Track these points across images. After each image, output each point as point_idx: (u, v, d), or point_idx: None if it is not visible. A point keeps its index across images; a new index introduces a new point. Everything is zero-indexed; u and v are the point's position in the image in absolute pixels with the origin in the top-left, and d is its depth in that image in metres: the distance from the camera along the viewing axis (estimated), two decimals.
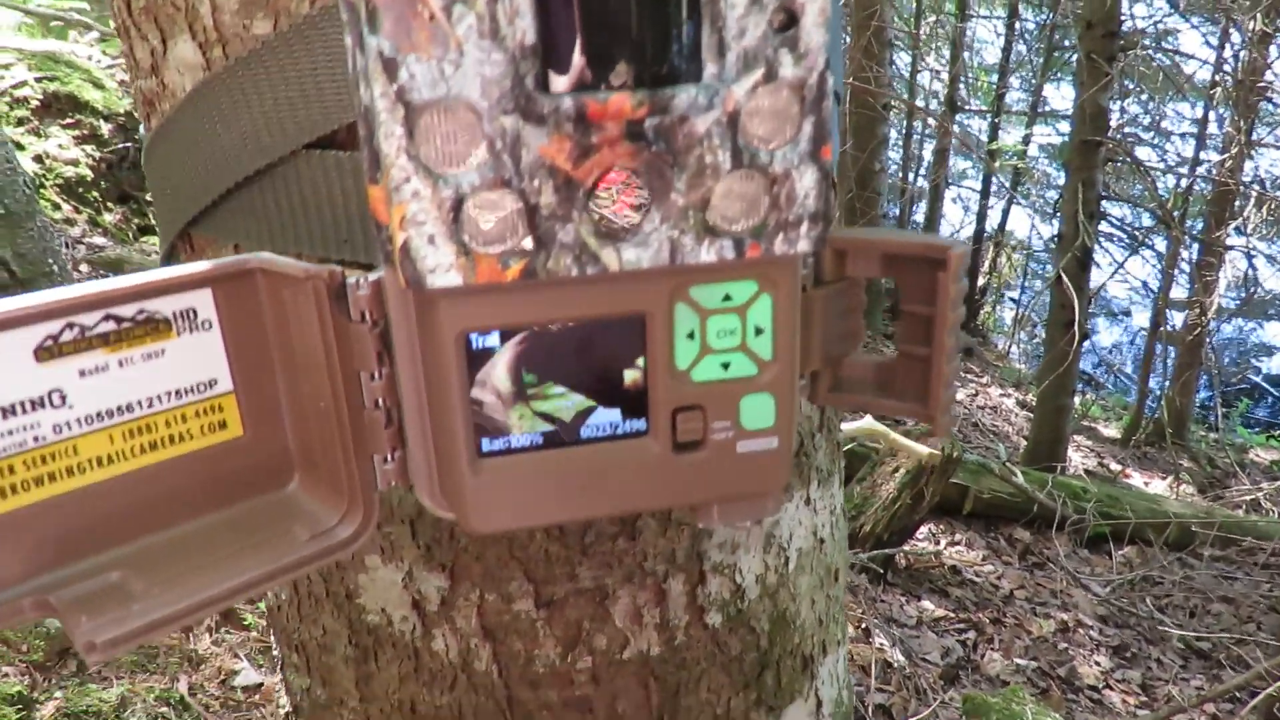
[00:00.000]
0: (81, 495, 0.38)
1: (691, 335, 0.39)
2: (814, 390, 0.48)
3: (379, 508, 0.42)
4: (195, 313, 0.39)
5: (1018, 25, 8.88)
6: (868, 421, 3.20)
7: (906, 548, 3.88)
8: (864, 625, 3.28)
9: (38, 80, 4.92)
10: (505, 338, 0.37)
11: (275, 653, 0.81)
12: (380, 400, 0.40)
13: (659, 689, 0.62)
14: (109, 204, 4.74)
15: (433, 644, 0.62)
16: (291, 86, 0.49)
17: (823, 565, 0.71)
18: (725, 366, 0.39)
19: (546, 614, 0.59)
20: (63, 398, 0.37)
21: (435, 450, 0.41)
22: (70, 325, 0.36)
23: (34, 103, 4.85)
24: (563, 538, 0.57)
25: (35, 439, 0.37)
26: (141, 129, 0.63)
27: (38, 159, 4.59)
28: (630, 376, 0.39)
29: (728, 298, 0.38)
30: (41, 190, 4.39)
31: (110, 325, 0.37)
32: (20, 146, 4.41)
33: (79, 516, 0.38)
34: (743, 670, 0.65)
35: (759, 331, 0.39)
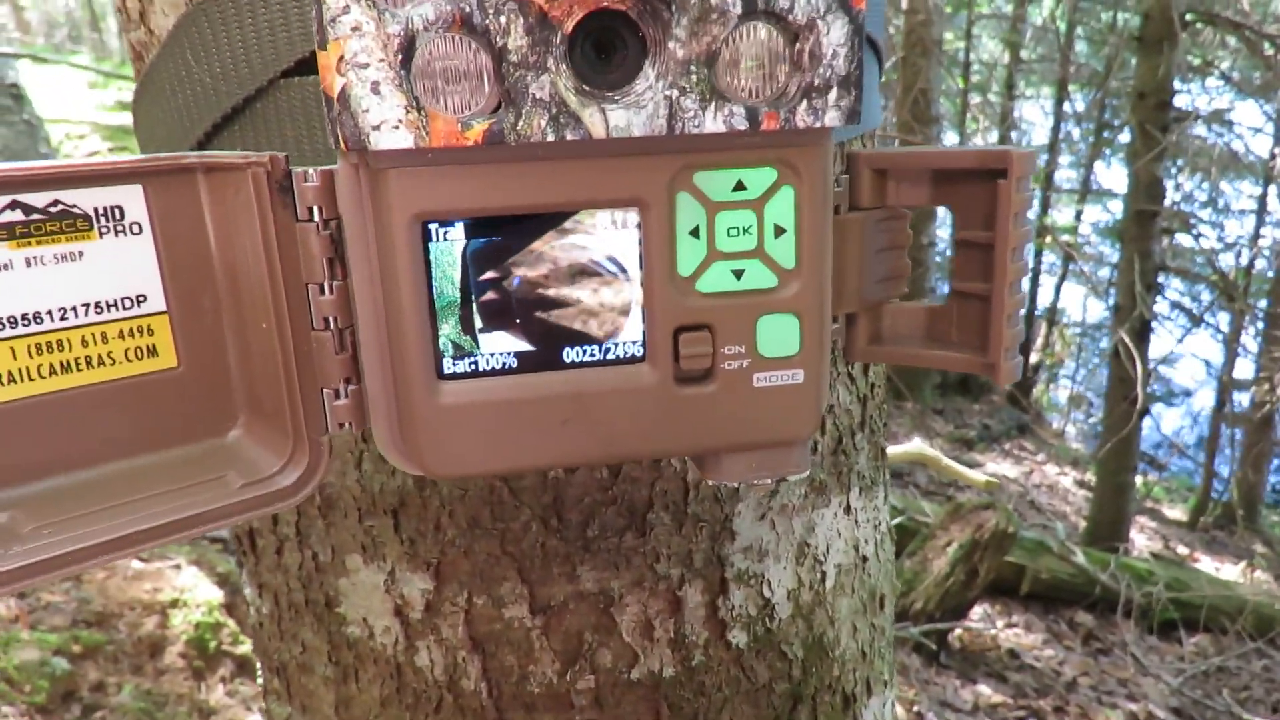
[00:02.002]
0: None
1: (696, 233, 0.32)
2: (850, 341, 0.40)
3: (330, 454, 0.36)
4: (121, 212, 0.34)
5: (1066, 105, 8.84)
6: (916, 445, 3.07)
7: (960, 627, 3.68)
8: (916, 709, 3.09)
9: (110, 150, 5.14)
10: (471, 230, 0.31)
11: (260, 680, 0.74)
12: (330, 319, 0.34)
13: (672, 718, 0.53)
14: None
15: (416, 659, 0.54)
16: (271, 7, 0.45)
17: (866, 588, 0.62)
18: (738, 275, 0.32)
19: (543, 622, 0.51)
20: None
21: (393, 377, 0.34)
22: None
23: None
24: (562, 530, 0.50)
25: None
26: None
27: None
28: (620, 288, 0.32)
29: (740, 187, 0.32)
30: None
31: (17, 215, 0.32)
32: None
33: None
34: (772, 703, 0.56)
35: (779, 232, 0.32)
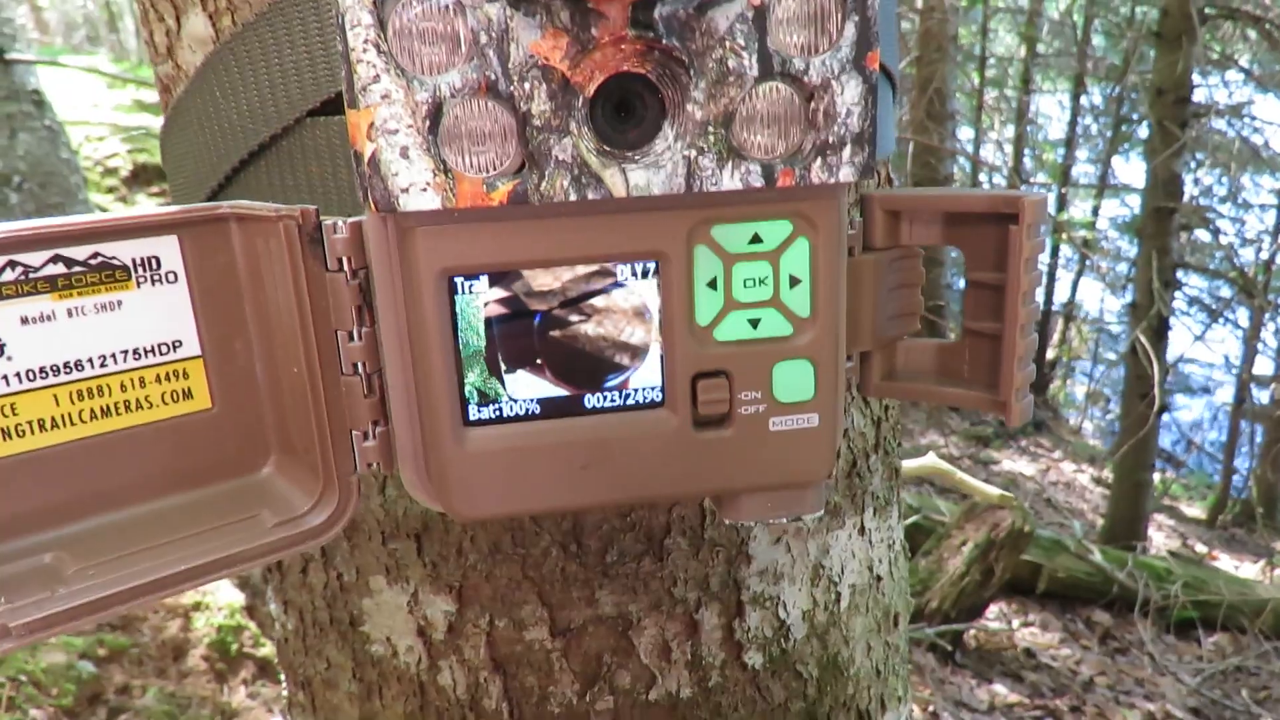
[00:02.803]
0: (19, 464, 0.34)
1: (714, 284, 0.33)
2: (865, 377, 0.41)
3: (359, 493, 0.37)
4: (158, 262, 0.35)
5: (1084, 99, 8.78)
6: (930, 459, 3.06)
7: (976, 626, 3.67)
8: (932, 708, 3.08)
9: (129, 152, 5.19)
10: (495, 281, 0.32)
11: (284, 692, 0.76)
12: (360, 364, 0.35)
13: None
14: None
15: (439, 678, 0.55)
16: (298, 48, 0.46)
17: (880, 606, 0.63)
18: (754, 324, 0.33)
19: (563, 644, 0.52)
20: (1, 348, 0.33)
21: (420, 423, 0.35)
22: (12, 264, 0.32)
23: (123, 172, 5.10)
24: (581, 555, 0.51)
25: None
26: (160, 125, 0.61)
27: None
28: (641, 334, 0.33)
29: (756, 239, 0.33)
30: None
31: (59, 268, 0.33)
32: (105, 211, 4.61)
33: (14, 489, 0.34)
34: None
35: (794, 282, 0.33)
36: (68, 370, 0.34)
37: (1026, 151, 8.87)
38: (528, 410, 0.34)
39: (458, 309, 0.32)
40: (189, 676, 1.57)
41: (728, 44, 0.29)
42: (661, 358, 0.34)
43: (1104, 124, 8.80)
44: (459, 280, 0.32)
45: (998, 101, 8.86)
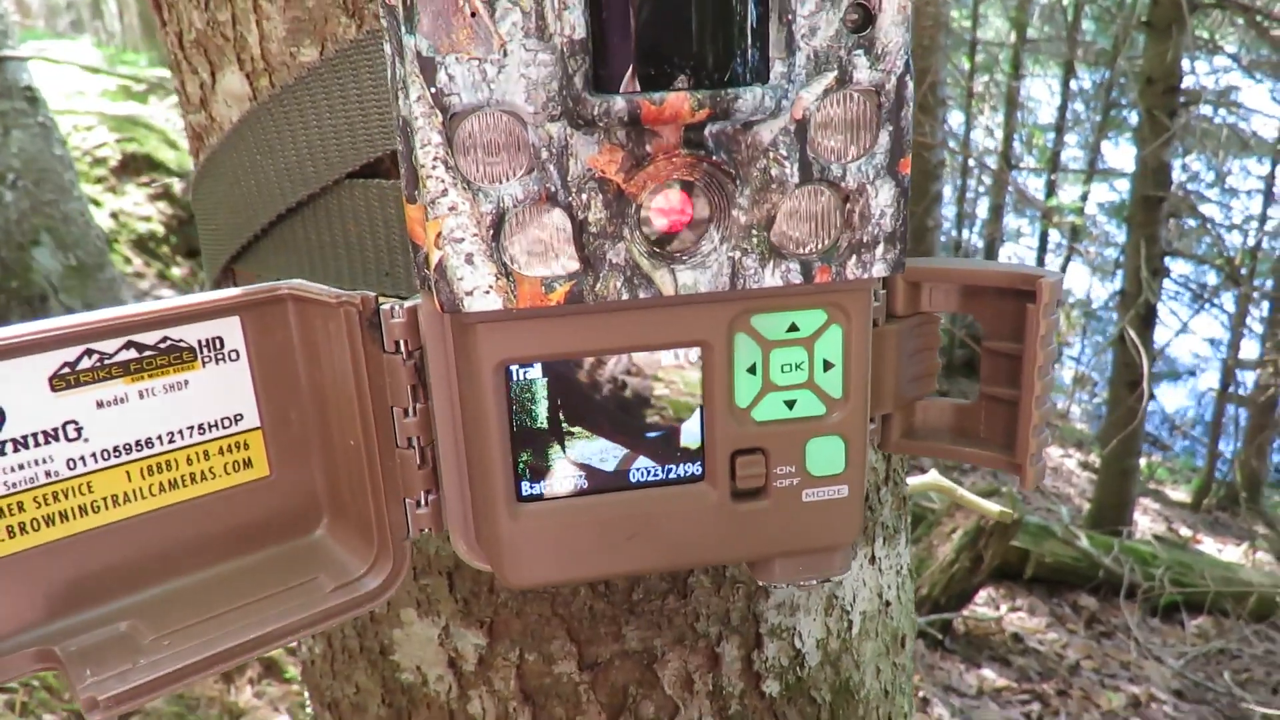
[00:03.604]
0: (94, 537, 0.36)
1: (753, 369, 0.35)
2: (885, 436, 0.43)
3: (410, 557, 0.39)
4: (222, 342, 0.37)
5: (1074, 84, 8.80)
6: (933, 476, 3.10)
7: (965, 613, 3.73)
8: (921, 694, 3.14)
9: (117, 141, 5.15)
10: (549, 370, 0.34)
11: (309, 710, 0.78)
12: (414, 439, 0.37)
13: None
14: (178, 259, 4.90)
15: (469, 706, 0.58)
16: (336, 113, 0.47)
17: (889, 631, 0.65)
18: (790, 405, 0.36)
19: (590, 677, 0.55)
20: (78, 430, 0.35)
21: (472, 494, 0.37)
22: (89, 352, 0.34)
23: (112, 162, 5.07)
24: (609, 594, 0.53)
25: (47, 474, 0.34)
26: (190, 166, 0.63)
27: (113, 215, 4.77)
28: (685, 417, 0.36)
29: (793, 328, 0.35)
30: (114, 245, 4.55)
31: (131, 354, 0.35)
32: (97, 203, 4.59)
33: (91, 560, 0.36)
34: None
35: (828, 366, 0.35)
36: (139, 448, 0.36)
37: (1016, 136, 8.90)
38: (577, 486, 0.36)
39: (513, 393, 0.34)
40: None
41: (771, 154, 0.31)
42: (702, 435, 0.36)
43: (1093, 109, 8.83)
44: (514, 367, 0.34)
45: (988, 87, 8.87)
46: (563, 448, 0.35)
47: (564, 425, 0.35)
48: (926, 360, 0.43)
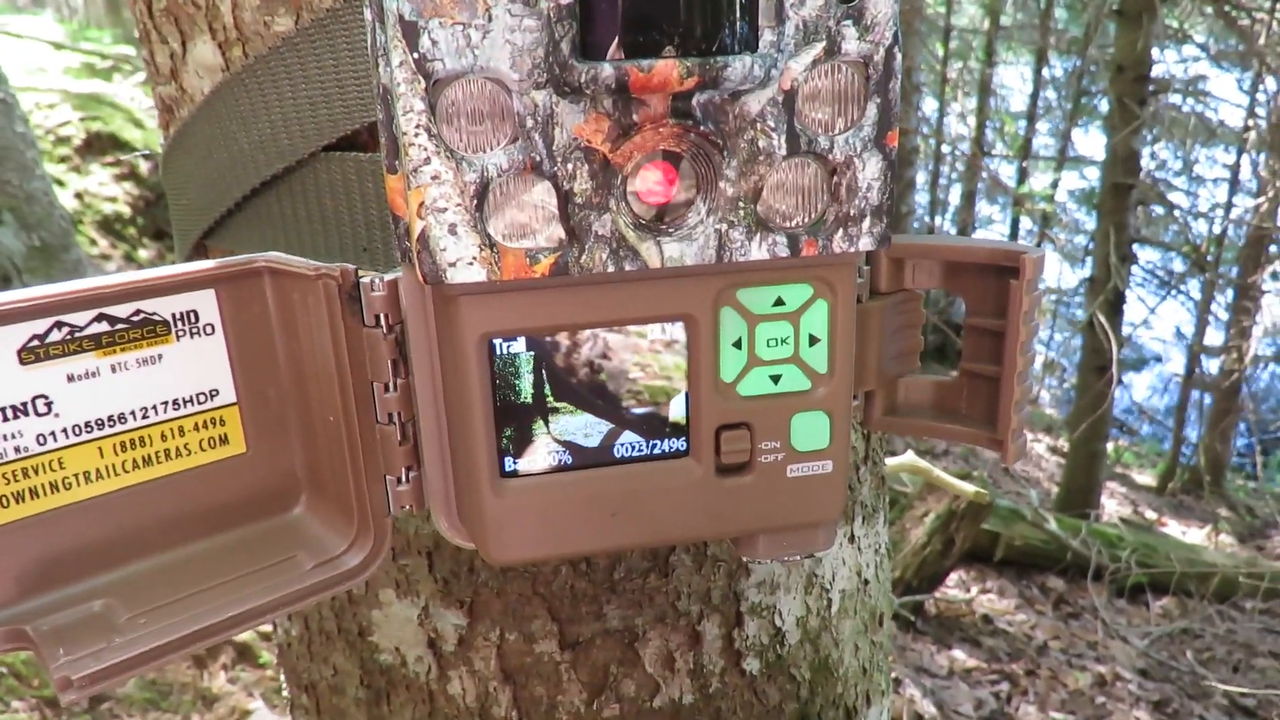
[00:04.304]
0: (66, 514, 0.35)
1: (738, 344, 0.35)
2: (868, 413, 0.44)
3: (391, 534, 0.39)
4: (196, 315, 0.36)
5: (1046, 71, 8.86)
6: (909, 458, 3.13)
7: (937, 595, 3.78)
8: (894, 675, 3.18)
9: (81, 120, 5.04)
10: (532, 344, 0.34)
11: (285, 693, 0.77)
12: (394, 414, 0.37)
13: None
14: (145, 240, 4.82)
15: (449, 687, 0.57)
16: (312, 84, 0.46)
17: (867, 609, 0.66)
18: (775, 380, 0.35)
19: (571, 656, 0.55)
20: (48, 405, 0.34)
21: (454, 471, 0.37)
22: (59, 324, 0.33)
23: (76, 141, 4.96)
24: (590, 573, 0.53)
25: (17, 450, 0.33)
26: (160, 139, 0.61)
27: (78, 196, 4.68)
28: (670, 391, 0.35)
29: (779, 302, 0.34)
30: (80, 226, 4.46)
31: (103, 326, 0.34)
32: (61, 183, 4.49)
33: (62, 538, 0.35)
34: None
35: (813, 341, 0.35)
36: (111, 423, 0.35)
37: (989, 123, 8.96)
38: (561, 461, 0.35)
39: (496, 368, 0.34)
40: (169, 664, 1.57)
41: (759, 125, 0.31)
42: (687, 410, 0.35)
43: (1065, 97, 8.90)
44: (497, 341, 0.33)
45: (961, 74, 8.92)
46: (547, 423, 0.35)
47: (548, 400, 0.35)
48: (909, 337, 0.43)
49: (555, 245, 0.31)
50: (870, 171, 0.32)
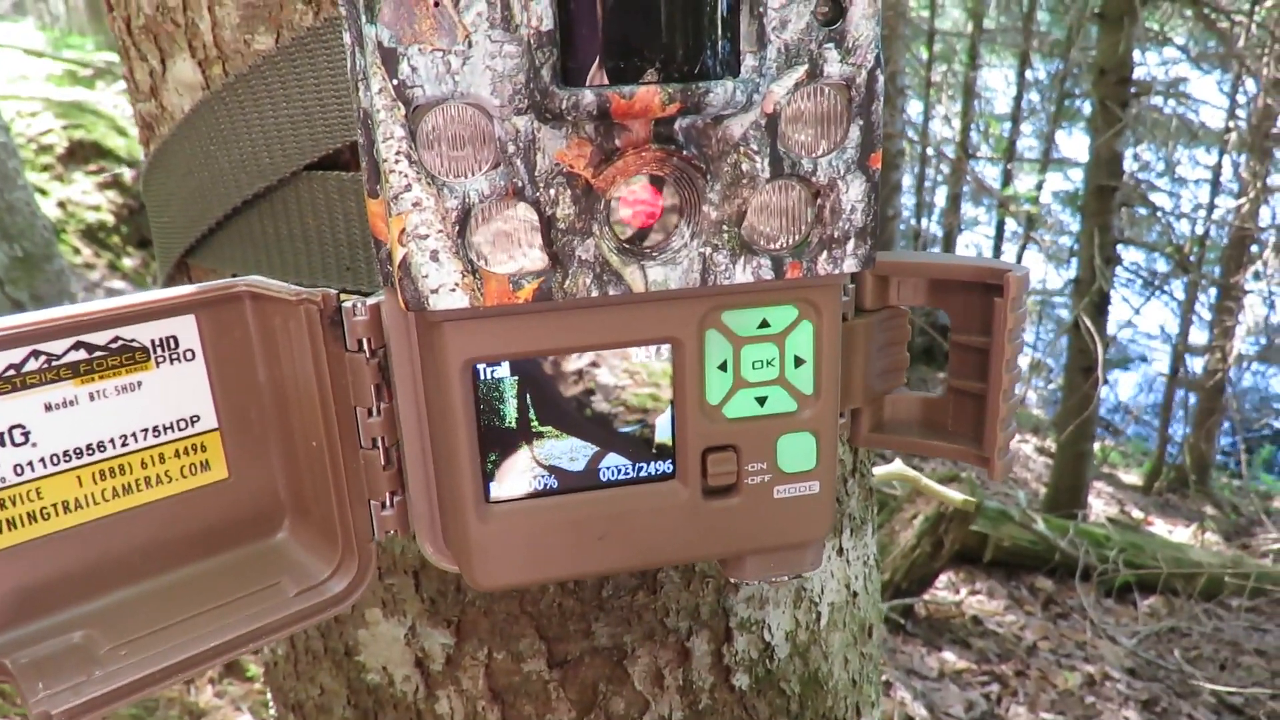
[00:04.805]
0: (44, 544, 0.34)
1: (724, 366, 0.35)
2: (854, 430, 0.43)
3: (376, 560, 0.38)
4: (176, 341, 0.36)
5: (1029, 74, 8.92)
6: (897, 465, 3.14)
7: (926, 597, 3.79)
8: (885, 678, 3.18)
9: (64, 128, 5.00)
10: (516, 369, 0.33)
11: (272, 712, 0.76)
12: (378, 439, 0.36)
13: None
14: (129, 249, 4.79)
15: (437, 706, 0.57)
16: (293, 103, 0.46)
17: (856, 621, 0.66)
18: (761, 402, 0.35)
19: (560, 675, 0.54)
20: (25, 435, 0.33)
21: (439, 496, 0.37)
22: (35, 354, 0.33)
23: (59, 150, 4.92)
24: (578, 591, 0.52)
25: None
26: (141, 155, 0.61)
27: (60, 205, 4.64)
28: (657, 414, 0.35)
29: (764, 324, 0.34)
30: (63, 235, 4.43)
31: (81, 354, 0.34)
32: (43, 192, 4.45)
33: (41, 568, 0.34)
34: None
35: (799, 363, 0.35)
36: (90, 452, 0.35)
37: (973, 126, 9.01)
38: (546, 485, 0.35)
39: (480, 393, 0.33)
40: None
41: (741, 149, 0.31)
42: (673, 433, 0.35)
43: (1048, 99, 8.96)
44: (481, 366, 0.33)
45: (946, 77, 8.96)
46: (531, 447, 0.35)
47: (533, 424, 0.34)
48: (895, 354, 0.43)
49: (538, 271, 0.31)
50: (854, 193, 0.32)
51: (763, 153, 0.31)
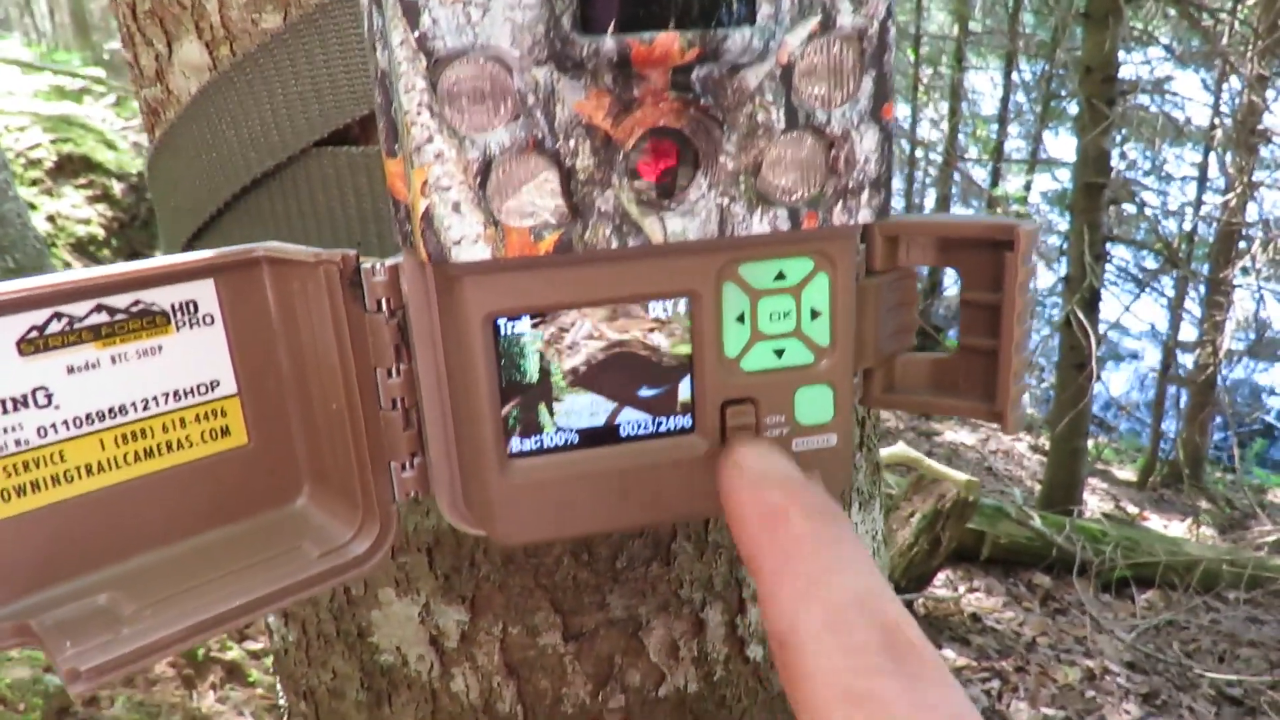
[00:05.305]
0: (68, 507, 0.34)
1: (741, 319, 0.35)
2: (867, 391, 0.44)
3: (397, 521, 0.38)
4: (196, 306, 0.36)
5: (1015, 75, 8.98)
6: (900, 448, 3.15)
7: (925, 595, 3.79)
8: None
9: (52, 142, 4.99)
10: (536, 322, 0.34)
11: (282, 702, 0.76)
12: (398, 400, 0.37)
13: None
14: (120, 262, 4.78)
15: (452, 684, 0.57)
16: (302, 80, 0.47)
17: None
18: (779, 354, 0.36)
19: (575, 648, 0.54)
20: (48, 397, 0.33)
21: (459, 454, 0.37)
22: (57, 315, 0.33)
23: (48, 164, 4.91)
24: (592, 563, 0.53)
25: (17, 443, 0.33)
26: (147, 143, 0.61)
27: (50, 219, 4.63)
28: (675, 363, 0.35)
29: (781, 276, 0.35)
30: (53, 248, 4.41)
31: (102, 317, 0.34)
32: (34, 206, 4.44)
33: (65, 532, 0.35)
34: (786, 709, 0.60)
35: (815, 315, 0.36)
36: (112, 415, 0.35)
37: (961, 128, 9.07)
38: (567, 440, 0.36)
39: (501, 347, 0.34)
40: (157, 684, 1.55)
41: (757, 100, 0.31)
42: (692, 387, 0.36)
43: (1035, 100, 9.02)
44: (502, 321, 0.33)
45: (933, 79, 9.02)
46: (552, 402, 0.35)
47: (553, 380, 0.35)
48: (905, 315, 0.44)
49: (559, 222, 0.31)
50: (868, 144, 0.32)
51: (778, 103, 0.31)
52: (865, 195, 0.33)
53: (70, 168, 4.88)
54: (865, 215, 0.33)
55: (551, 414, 0.35)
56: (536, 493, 0.35)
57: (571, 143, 0.30)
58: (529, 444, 0.35)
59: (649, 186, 0.31)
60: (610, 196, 0.31)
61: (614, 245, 0.31)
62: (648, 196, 0.31)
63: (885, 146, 0.33)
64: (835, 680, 0.26)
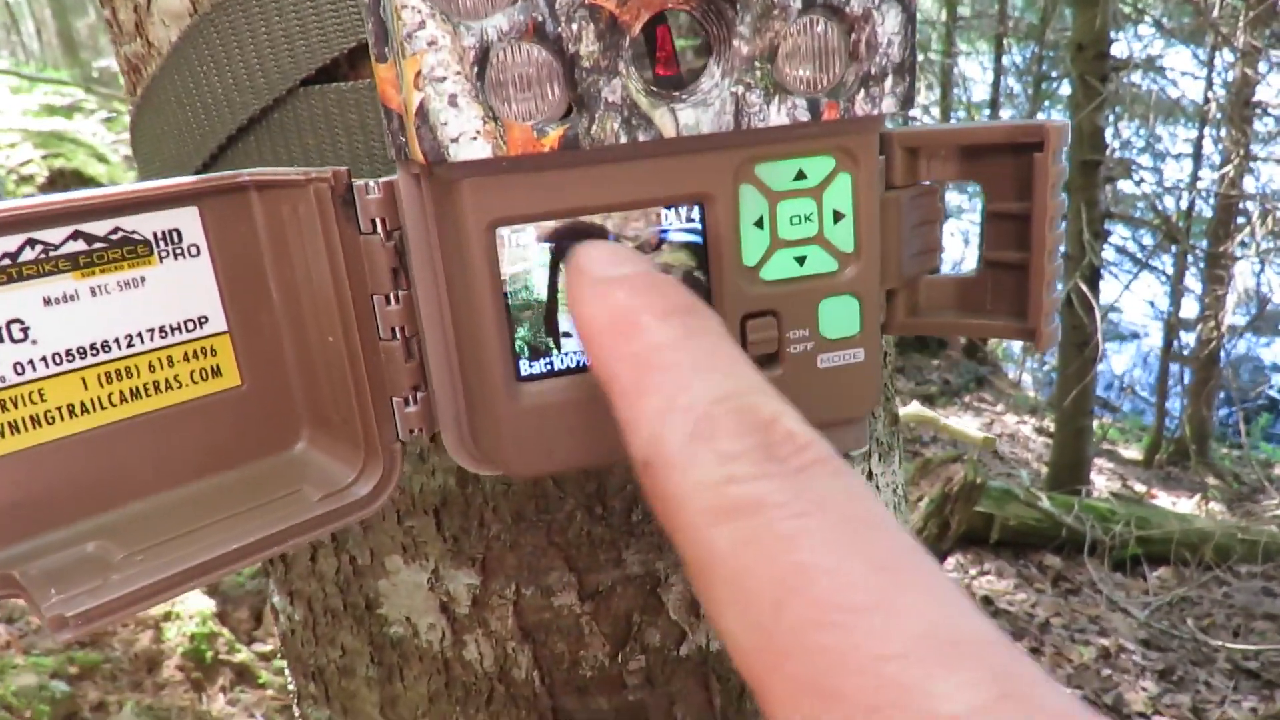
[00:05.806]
0: (50, 451, 0.32)
1: (760, 223, 0.33)
2: (890, 315, 0.42)
3: (402, 461, 0.36)
4: (179, 235, 0.34)
5: (1005, 59, 8.96)
6: (915, 408, 3.13)
7: None
8: None
9: (44, 158, 4.97)
10: (542, 233, 0.32)
11: (291, 687, 0.74)
12: (398, 329, 0.34)
13: (721, 691, 0.55)
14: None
15: (465, 653, 0.55)
16: (287, 14, 0.44)
17: None
18: (800, 261, 0.34)
19: (592, 608, 0.52)
20: (24, 331, 0.31)
21: (465, 383, 0.35)
22: (31, 242, 0.31)
23: (40, 179, 4.89)
24: (606, 518, 0.51)
25: None
26: (128, 108, 0.59)
27: None
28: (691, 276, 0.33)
29: (801, 176, 0.33)
30: None
31: (80, 245, 0.32)
32: None
33: (48, 477, 0.32)
34: None
35: (838, 217, 0.33)
36: (95, 352, 0.33)
37: (953, 114, 9.04)
38: (578, 362, 0.33)
39: (505, 261, 0.32)
40: (165, 688, 1.53)
41: None
42: (709, 300, 0.33)
43: (1026, 83, 9.00)
44: (505, 232, 0.31)
45: (922, 66, 8.99)
46: (560, 322, 0.33)
47: (561, 297, 0.33)
48: (928, 234, 0.41)
49: (563, 115, 0.29)
50: (890, 25, 0.30)
51: None
52: (889, 82, 0.31)
53: (62, 183, 4.86)
54: (889, 104, 0.31)
55: (561, 334, 0.33)
56: (548, 419, 0.33)
57: (574, 27, 0.28)
58: (538, 366, 0.33)
59: (658, 74, 0.29)
60: (617, 86, 0.29)
61: (623, 140, 0.29)
62: (657, 85, 0.29)
63: (909, 29, 0.30)
64: (705, 495, 0.22)
